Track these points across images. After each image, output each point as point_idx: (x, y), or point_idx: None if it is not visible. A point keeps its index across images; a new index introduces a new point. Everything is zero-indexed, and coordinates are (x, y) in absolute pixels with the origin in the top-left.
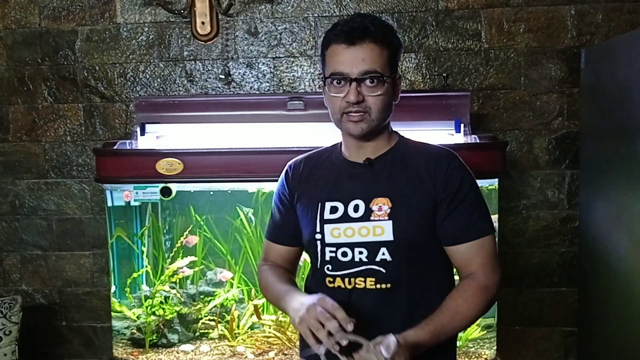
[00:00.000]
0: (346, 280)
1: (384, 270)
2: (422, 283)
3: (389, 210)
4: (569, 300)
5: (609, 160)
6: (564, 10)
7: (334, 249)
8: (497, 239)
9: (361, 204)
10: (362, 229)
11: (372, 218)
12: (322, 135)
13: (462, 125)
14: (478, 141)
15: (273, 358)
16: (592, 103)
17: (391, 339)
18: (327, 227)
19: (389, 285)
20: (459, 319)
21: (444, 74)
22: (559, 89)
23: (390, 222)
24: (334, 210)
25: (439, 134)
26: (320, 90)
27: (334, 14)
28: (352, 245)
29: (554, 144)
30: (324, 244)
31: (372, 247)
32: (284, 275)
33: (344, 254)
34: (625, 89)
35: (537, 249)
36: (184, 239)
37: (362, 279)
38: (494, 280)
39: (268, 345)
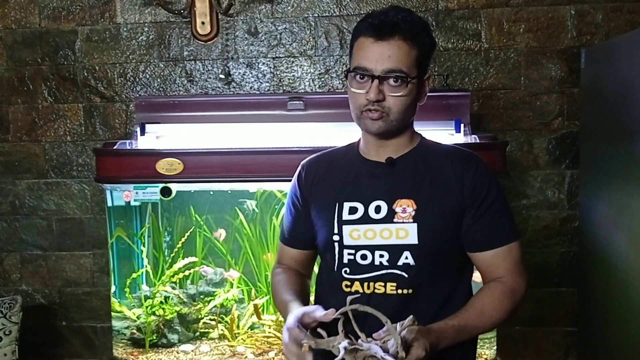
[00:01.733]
0: (365, 284)
1: (406, 275)
2: (444, 289)
3: (413, 213)
4: (569, 300)
5: (609, 160)
6: (564, 10)
7: (352, 251)
8: None
9: (383, 205)
10: (384, 231)
11: (395, 220)
12: (322, 135)
13: (462, 125)
14: (478, 141)
15: (273, 358)
16: (592, 103)
17: (409, 320)
18: (345, 228)
19: (410, 291)
20: (484, 320)
21: (444, 74)
22: (559, 89)
23: (415, 225)
24: (353, 210)
25: (439, 134)
26: (321, 90)
27: (334, 14)
28: (372, 248)
29: (554, 144)
30: (342, 246)
31: (395, 251)
32: (293, 279)
33: (364, 257)
34: (625, 89)
35: (537, 249)
36: (216, 233)
37: (382, 284)
38: (521, 285)
39: (268, 345)
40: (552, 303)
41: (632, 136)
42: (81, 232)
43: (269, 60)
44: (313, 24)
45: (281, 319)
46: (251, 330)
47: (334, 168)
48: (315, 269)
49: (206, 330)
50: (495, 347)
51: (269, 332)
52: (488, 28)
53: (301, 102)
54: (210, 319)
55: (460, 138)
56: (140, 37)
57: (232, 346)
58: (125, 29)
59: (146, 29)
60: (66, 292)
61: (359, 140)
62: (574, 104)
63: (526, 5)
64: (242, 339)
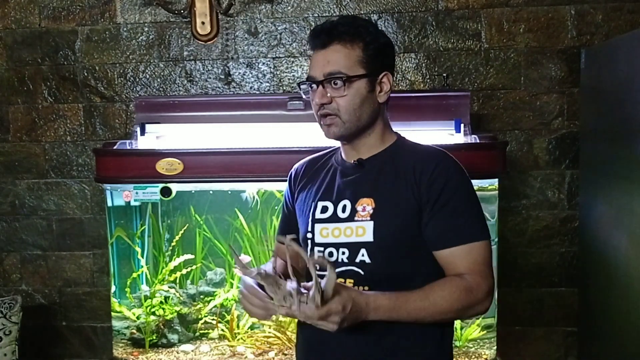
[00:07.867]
0: None
1: (362, 272)
2: (403, 288)
3: (372, 211)
4: (569, 300)
5: (609, 160)
6: (564, 10)
7: (321, 248)
8: (496, 239)
9: (348, 204)
10: (347, 229)
11: (356, 218)
12: (322, 135)
13: (462, 125)
14: (478, 141)
15: (273, 358)
16: (592, 103)
17: (332, 276)
18: (317, 226)
19: (367, 288)
20: (428, 305)
21: (444, 74)
22: (559, 89)
23: (372, 222)
24: (324, 209)
25: (439, 134)
26: None
27: (334, 14)
28: (337, 246)
29: (554, 144)
30: (314, 244)
31: (353, 248)
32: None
33: (330, 254)
34: (625, 89)
35: (537, 249)
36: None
37: (343, 280)
38: (480, 285)
39: (268, 345)
40: (552, 303)
41: (632, 136)
42: (81, 232)
43: (269, 60)
44: (313, 24)
45: (281, 319)
46: (251, 330)
47: (318, 169)
48: None
49: (206, 330)
50: (495, 347)
51: (269, 332)
52: (488, 28)
53: (301, 102)
54: (210, 319)
55: (460, 138)
56: (140, 37)
57: (232, 346)
58: (125, 29)
59: (146, 29)
60: (66, 292)
61: None
62: (574, 104)
63: (526, 5)
64: (242, 339)
